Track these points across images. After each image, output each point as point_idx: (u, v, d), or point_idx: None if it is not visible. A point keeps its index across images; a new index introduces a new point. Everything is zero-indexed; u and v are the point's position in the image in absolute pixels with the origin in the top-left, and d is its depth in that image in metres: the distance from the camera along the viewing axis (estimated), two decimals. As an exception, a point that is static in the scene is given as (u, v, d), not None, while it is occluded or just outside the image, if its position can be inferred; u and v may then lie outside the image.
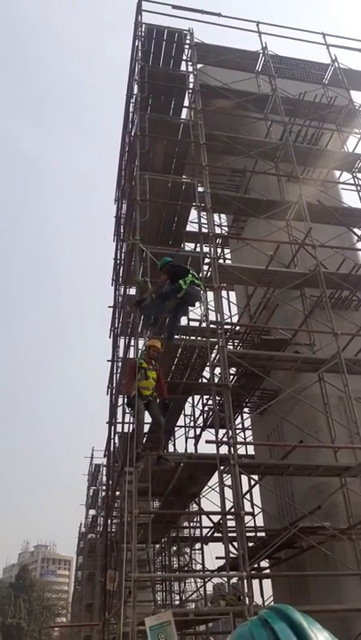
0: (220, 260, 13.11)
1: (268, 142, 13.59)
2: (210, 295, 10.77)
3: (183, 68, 14.33)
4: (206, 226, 11.34)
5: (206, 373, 11.95)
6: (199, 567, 14.30)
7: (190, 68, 13.93)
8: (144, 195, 10.91)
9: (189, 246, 14.00)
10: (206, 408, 13.03)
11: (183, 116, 14.49)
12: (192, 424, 13.67)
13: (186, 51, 14.19)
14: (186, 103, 14.12)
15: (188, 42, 14.06)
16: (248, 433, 15.04)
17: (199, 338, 11.23)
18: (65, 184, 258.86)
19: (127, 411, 10.57)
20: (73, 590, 51.10)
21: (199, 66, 14.19)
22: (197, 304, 9.28)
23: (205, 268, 10.95)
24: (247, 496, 11.62)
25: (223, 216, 16.85)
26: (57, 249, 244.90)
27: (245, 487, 10.72)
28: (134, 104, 13.29)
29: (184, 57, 14.25)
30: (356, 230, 13.34)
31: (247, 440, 14.52)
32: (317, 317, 11.16)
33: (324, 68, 15.90)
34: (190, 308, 9.52)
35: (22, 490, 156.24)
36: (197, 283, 8.82)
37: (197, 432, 13.31)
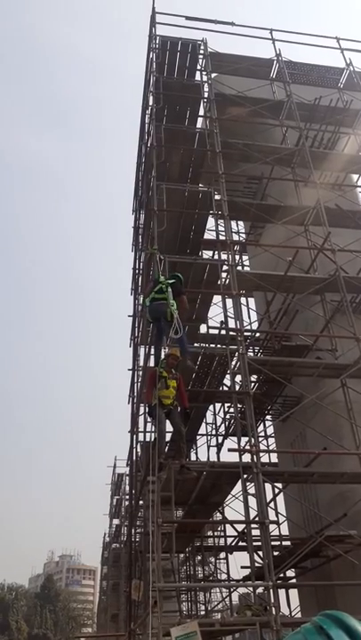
0: (239, 267, 13.12)
1: (285, 148, 13.58)
2: (229, 302, 10.77)
3: (198, 77, 14.47)
4: (224, 233, 11.36)
5: (227, 381, 11.92)
6: (224, 577, 14.18)
7: (205, 78, 14.04)
8: (161, 205, 10.98)
9: (207, 254, 14.02)
10: (228, 416, 12.98)
11: (199, 125, 14.58)
12: (214, 432, 13.61)
13: (200, 60, 14.32)
14: (201, 112, 14.22)
15: (202, 52, 14.19)
16: (271, 440, 14.93)
17: (219, 345, 11.21)
18: (86, 196, 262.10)
19: (148, 420, 10.58)
20: (98, 600, 51.10)
21: (214, 75, 14.29)
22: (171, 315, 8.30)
23: (224, 275, 10.96)
24: (271, 504, 11.50)
25: (241, 223, 16.84)
26: (77, 260, 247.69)
27: (269, 495, 10.61)
28: (150, 115, 13.43)
29: (198, 67, 14.38)
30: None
31: (270, 448, 14.41)
32: (339, 322, 11.05)
33: (339, 72, 15.85)
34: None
35: (46, 500, 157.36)
36: (157, 297, 8.35)
37: (219, 440, 13.25)
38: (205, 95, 13.75)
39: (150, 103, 13.66)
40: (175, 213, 11.85)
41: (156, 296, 8.39)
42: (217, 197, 11.97)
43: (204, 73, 14.20)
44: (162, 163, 12.06)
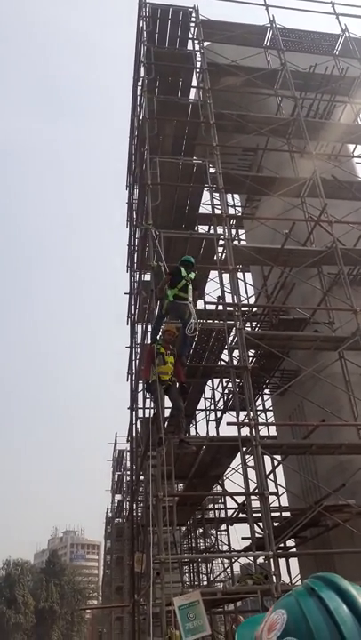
0: (235, 241, 13.00)
1: (279, 118, 13.31)
2: (225, 277, 10.70)
3: (190, 47, 14.08)
4: (219, 207, 11.21)
5: (225, 356, 11.92)
6: (225, 548, 14.41)
7: (197, 47, 13.68)
8: (155, 178, 10.80)
9: (203, 228, 13.87)
10: (226, 390, 13.03)
11: (192, 96, 14.27)
12: (213, 407, 13.69)
13: (192, 29, 13.92)
14: (194, 83, 13.89)
15: (193, 19, 13.79)
16: (269, 414, 15.03)
17: (216, 320, 11.16)
18: (80, 174, 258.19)
19: (147, 396, 10.60)
20: (103, 574, 52.15)
21: (206, 44, 13.92)
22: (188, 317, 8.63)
23: (220, 249, 10.85)
24: (271, 476, 11.60)
25: (236, 196, 16.64)
26: (73, 237, 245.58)
27: (269, 467, 10.71)
28: (142, 87, 13.12)
29: (190, 35, 13.99)
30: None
31: (269, 421, 14.51)
32: (336, 295, 11.00)
33: (334, 39, 15.45)
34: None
35: (49, 477, 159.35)
36: (183, 296, 8.48)
37: (218, 415, 13.34)
38: (198, 65, 13.41)
39: (142, 74, 13.33)
40: (170, 187, 11.67)
41: (180, 294, 8.50)
42: (212, 170, 11.78)
43: (195, 42, 13.82)
44: (155, 135, 11.82)
